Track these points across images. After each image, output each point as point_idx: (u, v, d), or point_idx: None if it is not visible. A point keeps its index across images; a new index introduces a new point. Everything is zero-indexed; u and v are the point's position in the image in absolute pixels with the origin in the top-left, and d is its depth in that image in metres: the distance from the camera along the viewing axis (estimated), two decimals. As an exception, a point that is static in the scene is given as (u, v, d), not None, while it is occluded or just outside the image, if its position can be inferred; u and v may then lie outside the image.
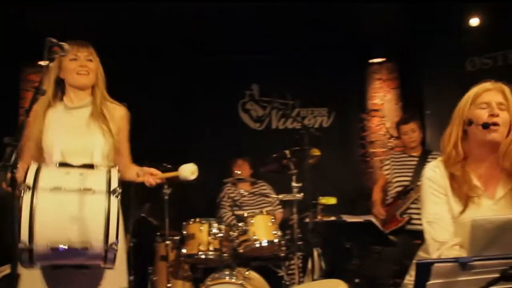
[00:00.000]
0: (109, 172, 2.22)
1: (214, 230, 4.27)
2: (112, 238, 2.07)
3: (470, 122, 2.16)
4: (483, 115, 2.14)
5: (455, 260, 1.29)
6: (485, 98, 2.17)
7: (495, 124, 2.11)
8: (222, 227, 4.32)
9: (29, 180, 2.03)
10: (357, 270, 4.29)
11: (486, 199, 2.16)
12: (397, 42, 6.25)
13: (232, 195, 5.24)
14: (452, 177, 2.19)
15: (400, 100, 6.52)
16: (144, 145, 2.71)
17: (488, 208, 2.13)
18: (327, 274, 4.81)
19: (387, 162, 4.88)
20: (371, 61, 6.59)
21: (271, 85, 6.29)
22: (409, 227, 4.40)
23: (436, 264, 1.29)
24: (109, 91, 2.75)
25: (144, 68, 6.00)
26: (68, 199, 2.07)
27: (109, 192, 2.12)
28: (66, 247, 2.04)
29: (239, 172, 4.69)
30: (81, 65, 2.60)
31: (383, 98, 6.59)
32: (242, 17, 5.37)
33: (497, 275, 1.24)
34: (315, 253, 4.80)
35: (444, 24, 5.78)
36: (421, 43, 6.17)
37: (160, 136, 5.91)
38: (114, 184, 2.15)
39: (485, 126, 2.10)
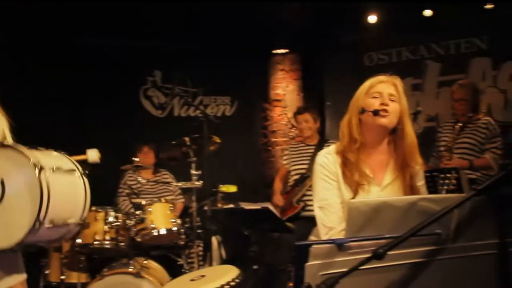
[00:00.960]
0: (61, 153, 2.36)
1: (111, 219, 4.15)
2: (86, 213, 2.34)
3: (363, 110, 2.26)
4: (374, 103, 2.25)
5: (332, 241, 1.34)
6: (378, 88, 2.28)
7: (385, 111, 2.22)
8: (119, 215, 4.21)
9: (35, 159, 2.03)
10: (255, 256, 4.34)
11: (374, 186, 2.27)
12: (300, 35, 6.41)
13: (130, 182, 5.12)
14: (344, 165, 2.27)
15: (301, 91, 6.70)
16: (39, 132, 2.57)
17: (375, 195, 2.24)
18: (227, 261, 4.84)
19: (286, 152, 4.99)
20: (274, 51, 6.71)
21: (174, 72, 6.19)
22: (305, 213, 4.54)
23: (314, 246, 1.33)
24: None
25: (42, 49, 5.65)
26: (66, 179, 2.22)
27: (81, 172, 2.32)
28: (64, 223, 2.19)
29: (137, 159, 4.57)
30: None
31: (285, 88, 6.73)
32: (145, 3, 5.23)
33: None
34: (214, 241, 4.82)
35: (345, 19, 6.02)
36: (323, 36, 6.38)
37: (57, 121, 5.62)
38: (78, 165, 2.34)
39: (375, 112, 2.21)
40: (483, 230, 1.52)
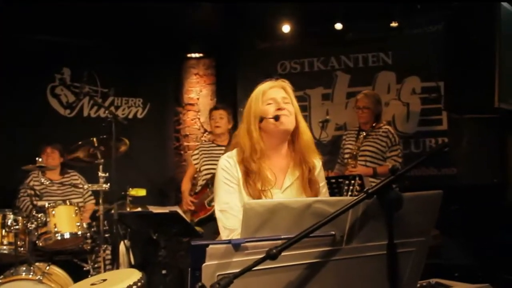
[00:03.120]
0: None
1: (9, 222, 3.95)
2: None
3: (261, 119, 2.30)
4: (271, 109, 2.30)
5: (228, 241, 1.35)
6: (271, 95, 2.34)
7: (285, 115, 2.29)
8: (19, 218, 4.02)
9: None
10: (164, 261, 4.30)
11: (275, 189, 2.31)
12: (215, 40, 6.45)
13: (34, 184, 4.88)
14: (246, 174, 2.28)
15: (215, 96, 6.73)
16: None
17: (276, 197, 2.28)
18: (135, 266, 4.74)
19: (196, 152, 4.97)
20: (189, 55, 6.68)
21: (84, 71, 5.96)
22: None
23: (210, 246, 1.34)
24: None
25: None
26: None
27: None
28: None
29: (40, 160, 4.37)
30: None
31: (199, 93, 6.74)
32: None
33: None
34: (122, 246, 4.71)
35: (260, 27, 6.12)
36: (238, 43, 6.47)
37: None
38: None
39: (276, 118, 2.27)
40: (374, 232, 1.60)
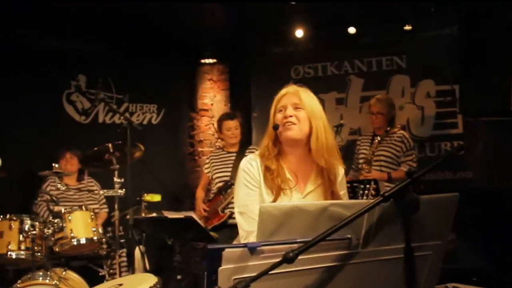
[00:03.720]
0: None
1: (27, 227, 4.00)
2: None
3: (275, 126, 2.32)
4: (279, 117, 2.30)
5: (244, 245, 1.35)
6: (283, 102, 2.32)
7: (289, 123, 2.26)
8: (36, 224, 4.06)
9: None
10: (179, 266, 4.31)
11: (296, 193, 2.30)
12: (229, 45, 6.46)
13: (51, 189, 4.92)
14: (267, 169, 2.29)
15: (229, 101, 6.73)
16: None
17: (297, 201, 2.26)
18: (150, 272, 4.76)
19: (207, 161, 4.97)
20: (203, 61, 6.70)
21: (99, 77, 6.03)
22: (231, 221, 4.53)
23: (226, 250, 1.34)
24: None
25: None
26: None
27: None
28: None
29: (56, 165, 4.42)
30: None
31: (213, 98, 6.74)
32: (72, 5, 5.07)
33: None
34: (137, 251, 4.73)
35: (273, 33, 6.14)
36: (251, 48, 6.48)
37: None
38: None
39: (275, 128, 2.29)
40: (391, 235, 1.58)
